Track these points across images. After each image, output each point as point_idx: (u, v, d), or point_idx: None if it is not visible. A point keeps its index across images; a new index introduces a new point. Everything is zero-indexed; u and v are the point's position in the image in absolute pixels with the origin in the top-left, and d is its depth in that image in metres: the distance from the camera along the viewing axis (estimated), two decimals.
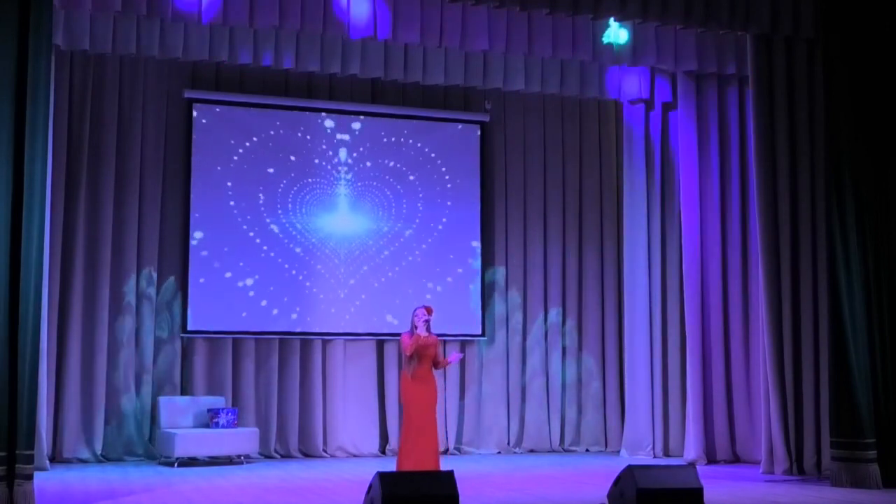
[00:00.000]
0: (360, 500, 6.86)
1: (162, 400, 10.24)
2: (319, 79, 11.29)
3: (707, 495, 7.12)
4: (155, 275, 10.69)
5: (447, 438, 11.31)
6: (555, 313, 12.00)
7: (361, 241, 11.40)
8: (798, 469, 9.38)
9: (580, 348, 12.05)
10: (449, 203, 11.72)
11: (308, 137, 11.31)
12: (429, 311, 8.30)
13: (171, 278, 10.79)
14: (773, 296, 9.53)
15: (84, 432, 10.18)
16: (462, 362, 11.51)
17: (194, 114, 10.92)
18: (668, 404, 11.07)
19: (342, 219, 11.37)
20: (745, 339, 10.54)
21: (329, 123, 11.40)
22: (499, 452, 11.57)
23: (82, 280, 10.34)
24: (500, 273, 11.90)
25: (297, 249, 11.15)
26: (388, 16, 9.43)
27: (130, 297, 10.52)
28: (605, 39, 10.18)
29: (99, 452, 10.17)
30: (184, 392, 10.64)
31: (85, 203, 10.42)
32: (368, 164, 11.50)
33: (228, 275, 10.88)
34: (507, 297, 11.90)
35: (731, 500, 7.65)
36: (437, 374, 8.45)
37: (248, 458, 10.23)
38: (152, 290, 10.66)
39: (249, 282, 10.94)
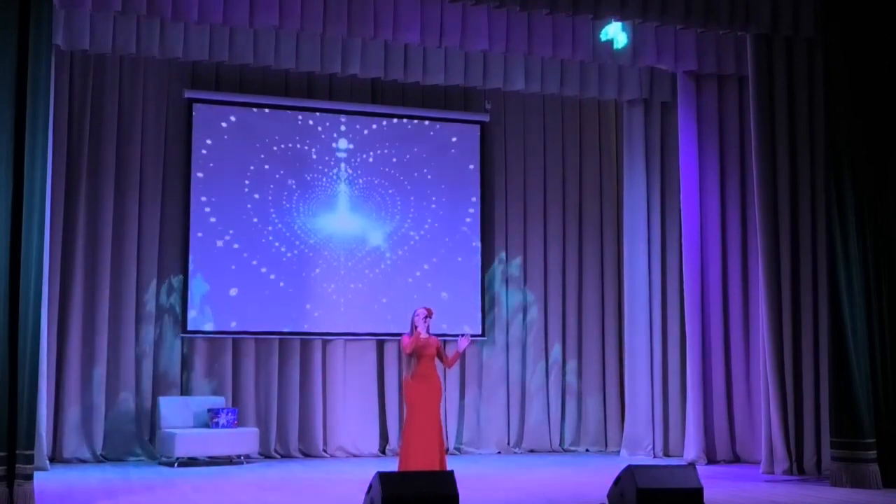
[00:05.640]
0: (360, 500, 6.86)
1: (162, 400, 10.23)
2: (319, 79, 11.29)
3: (707, 495, 7.12)
4: (155, 274, 10.69)
5: (447, 438, 11.30)
6: (554, 313, 11.99)
7: (361, 240, 11.40)
8: (798, 469, 9.38)
9: (580, 348, 12.05)
10: (449, 203, 11.72)
11: (308, 138, 11.31)
12: (429, 312, 8.31)
13: (171, 278, 10.79)
14: (773, 296, 9.53)
15: (84, 432, 10.18)
16: (462, 362, 11.52)
17: (194, 114, 10.92)
18: (668, 404, 11.08)
19: (342, 219, 11.36)
20: (745, 339, 10.54)
21: (329, 123, 11.40)
22: (499, 452, 11.57)
23: (82, 280, 10.34)
24: (499, 273, 11.91)
25: (298, 249, 11.15)
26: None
27: (130, 297, 10.52)
28: (603, 37, 10.17)
29: (99, 452, 10.17)
30: (184, 392, 10.64)
31: (85, 203, 10.42)
32: (368, 163, 11.50)
33: (229, 275, 10.87)
34: (507, 297, 11.90)
35: (731, 500, 7.64)
36: (438, 373, 8.44)
37: (248, 458, 10.23)
38: (152, 290, 10.66)
39: (249, 281, 10.94)
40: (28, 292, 7.11)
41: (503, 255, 11.94)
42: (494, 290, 11.86)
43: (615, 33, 10.16)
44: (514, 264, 11.98)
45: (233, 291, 10.87)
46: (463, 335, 8.53)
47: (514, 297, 11.93)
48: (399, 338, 8.87)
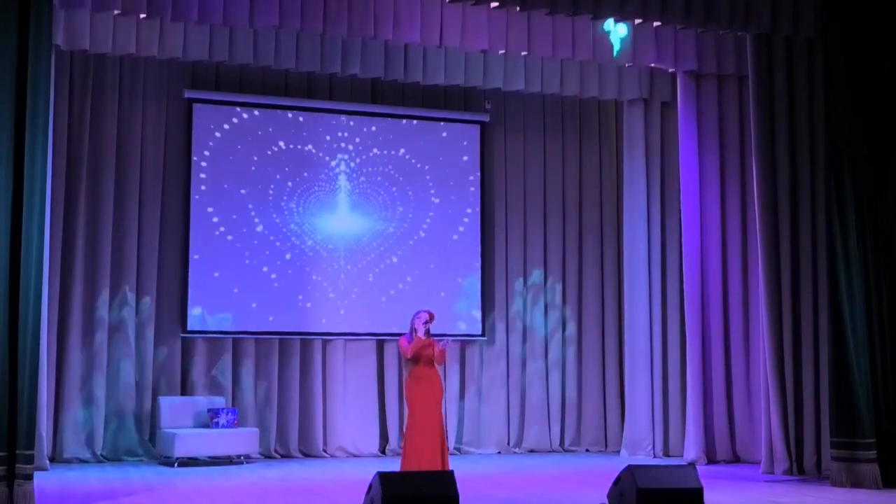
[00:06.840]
0: (360, 500, 6.86)
1: (162, 400, 10.23)
2: (319, 79, 11.28)
3: (707, 495, 7.12)
4: (155, 275, 10.68)
5: (447, 438, 11.28)
6: (555, 313, 11.99)
7: (361, 240, 11.39)
8: (798, 469, 9.39)
9: (580, 348, 12.04)
10: (448, 203, 11.72)
11: (308, 137, 11.30)
12: (431, 316, 8.32)
13: (171, 278, 10.78)
14: (773, 296, 9.53)
15: (84, 432, 10.18)
16: (462, 361, 11.52)
17: (194, 114, 10.92)
18: (668, 404, 11.08)
19: (342, 219, 11.36)
20: (745, 339, 10.54)
21: (329, 123, 11.39)
22: (499, 452, 11.57)
23: (82, 280, 10.33)
24: (499, 273, 11.89)
25: (298, 249, 11.14)
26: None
27: (130, 297, 10.52)
28: (606, 28, 10.15)
29: (99, 452, 10.16)
30: (184, 392, 10.64)
31: (85, 203, 10.42)
32: (368, 163, 11.49)
33: (229, 275, 10.87)
34: (507, 297, 11.89)
35: (731, 500, 7.65)
36: (439, 373, 8.45)
37: (248, 458, 10.23)
38: (152, 290, 10.64)
39: (249, 281, 10.94)
40: (28, 292, 7.11)
41: (503, 254, 11.93)
42: (494, 290, 11.85)
43: (612, 28, 10.16)
44: (515, 264, 11.97)
45: (233, 291, 10.86)
46: (443, 341, 8.46)
47: (514, 296, 11.92)
48: (398, 338, 8.86)
